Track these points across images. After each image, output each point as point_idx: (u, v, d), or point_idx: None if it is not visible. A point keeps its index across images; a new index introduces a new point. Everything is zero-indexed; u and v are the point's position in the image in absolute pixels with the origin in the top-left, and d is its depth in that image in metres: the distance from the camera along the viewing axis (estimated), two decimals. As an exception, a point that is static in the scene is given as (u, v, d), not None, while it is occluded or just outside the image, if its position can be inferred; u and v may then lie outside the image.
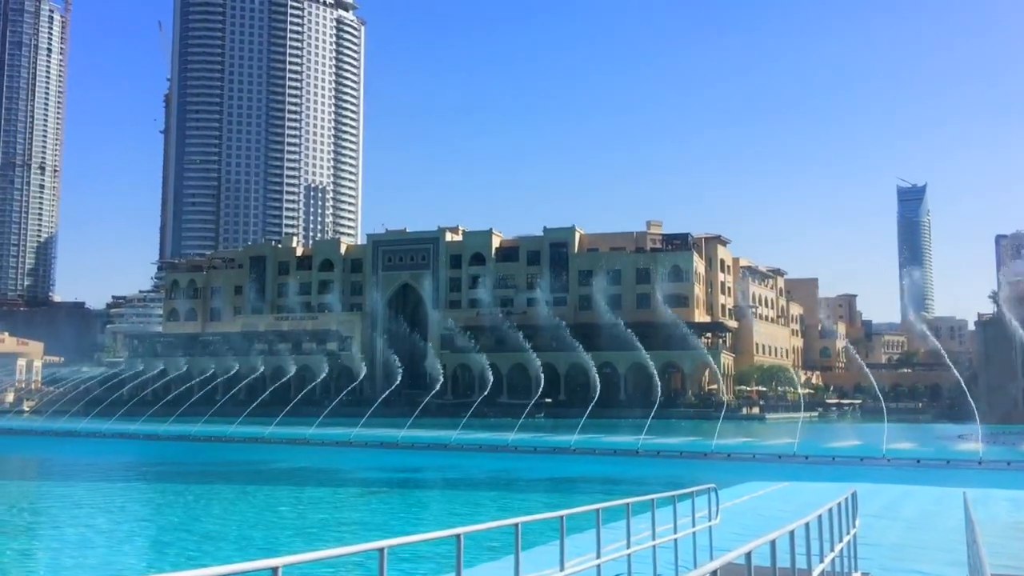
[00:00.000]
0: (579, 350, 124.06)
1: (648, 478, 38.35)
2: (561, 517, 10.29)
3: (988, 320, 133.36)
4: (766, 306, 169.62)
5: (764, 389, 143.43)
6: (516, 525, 9.29)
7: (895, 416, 67.11)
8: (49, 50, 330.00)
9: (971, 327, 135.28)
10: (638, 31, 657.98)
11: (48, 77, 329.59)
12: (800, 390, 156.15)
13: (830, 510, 11.23)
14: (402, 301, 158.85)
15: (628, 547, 12.07)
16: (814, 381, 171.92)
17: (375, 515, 28.13)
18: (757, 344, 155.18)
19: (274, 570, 5.87)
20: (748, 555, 7.11)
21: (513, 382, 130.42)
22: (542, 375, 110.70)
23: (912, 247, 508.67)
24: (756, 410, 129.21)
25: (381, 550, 7.07)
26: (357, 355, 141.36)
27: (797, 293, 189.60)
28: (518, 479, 40.67)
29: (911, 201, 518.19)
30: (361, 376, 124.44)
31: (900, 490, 30.20)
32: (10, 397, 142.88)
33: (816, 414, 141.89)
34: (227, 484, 38.64)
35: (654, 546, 12.59)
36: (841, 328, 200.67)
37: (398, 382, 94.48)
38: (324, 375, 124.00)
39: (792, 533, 8.59)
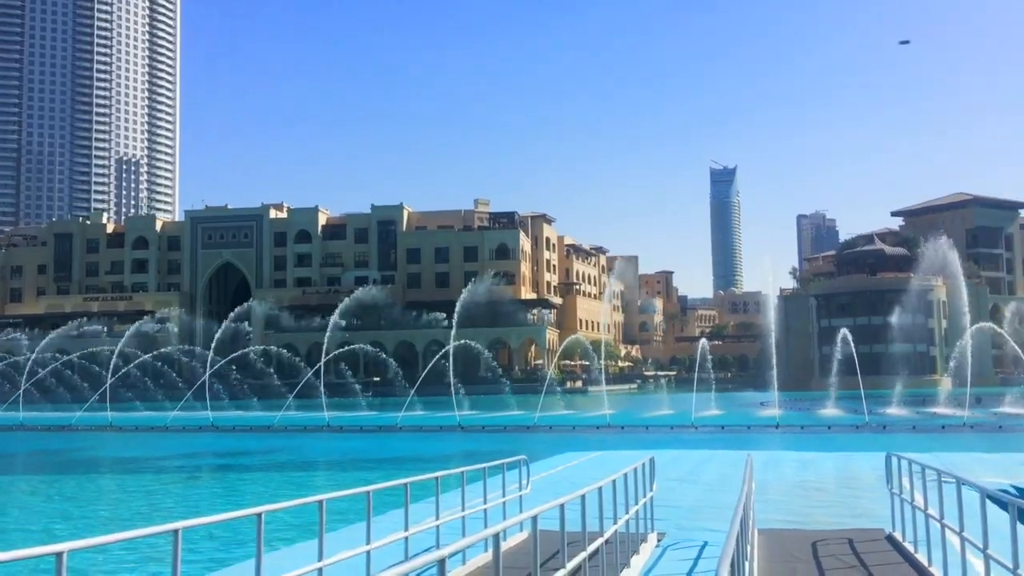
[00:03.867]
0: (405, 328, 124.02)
1: (473, 452, 39.10)
2: (368, 493, 10.47)
3: (789, 295, 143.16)
4: (589, 283, 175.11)
5: (587, 363, 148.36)
6: (320, 502, 9.40)
7: (705, 386, 71.20)
8: None
9: (775, 301, 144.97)
10: (469, 11, 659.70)
11: None
12: (620, 363, 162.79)
13: (625, 475, 11.98)
14: (224, 280, 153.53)
15: (437, 519, 12.43)
16: (634, 354, 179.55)
17: (193, 500, 27.37)
18: (581, 320, 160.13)
19: (58, 555, 5.75)
20: (534, 519, 7.55)
21: (340, 362, 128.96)
22: (383, 355, 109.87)
23: (723, 226, 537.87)
24: (579, 384, 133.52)
25: (176, 531, 7.03)
26: (174, 337, 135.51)
27: (618, 270, 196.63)
28: (343, 460, 40.49)
29: (723, 183, 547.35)
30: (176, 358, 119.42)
31: (703, 455, 32.22)
32: None
33: (635, 386, 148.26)
34: (28, 475, 36.47)
35: (463, 517, 13.01)
36: (659, 303, 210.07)
37: (218, 364, 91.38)
38: (138, 358, 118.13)
39: (583, 497, 9.14)
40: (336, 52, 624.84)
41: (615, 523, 10.79)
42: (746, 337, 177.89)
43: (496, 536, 5.99)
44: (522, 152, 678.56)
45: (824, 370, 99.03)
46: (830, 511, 18.67)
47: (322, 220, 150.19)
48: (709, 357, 77.36)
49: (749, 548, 9.30)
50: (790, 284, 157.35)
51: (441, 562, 4.89)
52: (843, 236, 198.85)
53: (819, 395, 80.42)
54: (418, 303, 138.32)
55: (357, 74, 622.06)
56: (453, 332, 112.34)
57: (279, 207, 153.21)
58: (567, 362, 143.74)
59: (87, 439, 54.00)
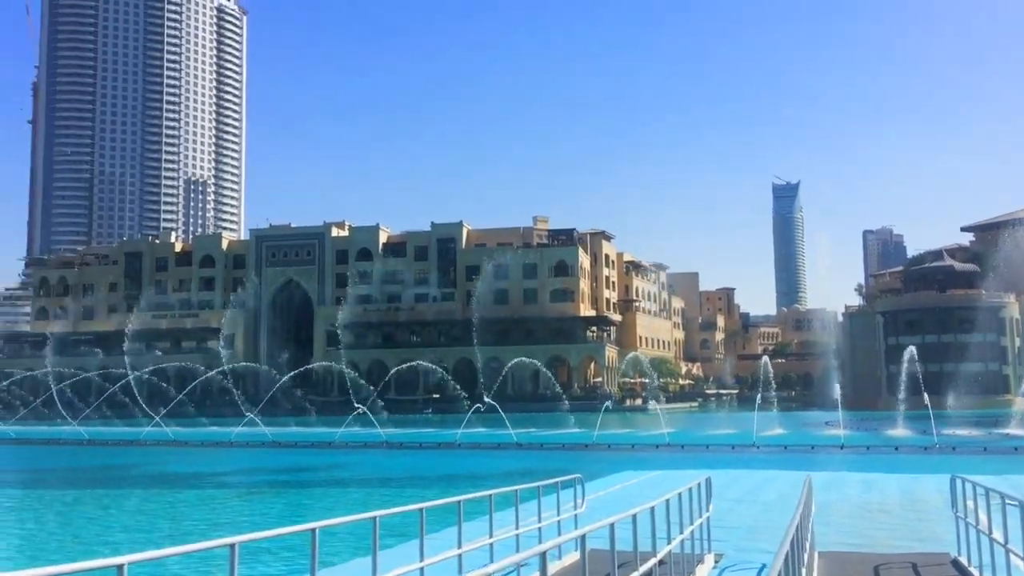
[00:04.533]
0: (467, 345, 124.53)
1: (531, 470, 38.99)
2: (421, 510, 10.53)
3: (855, 312, 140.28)
4: (649, 300, 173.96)
5: (647, 380, 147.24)
6: (374, 519, 9.48)
7: (768, 404, 70.07)
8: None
9: (840, 319, 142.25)
10: (528, 28, 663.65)
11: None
12: (681, 381, 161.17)
13: (679, 494, 11.87)
14: (287, 298, 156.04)
15: (490, 537, 12.44)
16: (695, 372, 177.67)
17: (252, 516, 27.81)
18: (641, 337, 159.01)
19: (119, 567, 5.93)
20: (582, 538, 7.52)
21: (401, 378, 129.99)
22: (448, 371, 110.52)
23: (786, 242, 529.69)
24: (639, 402, 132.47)
25: (232, 545, 7.17)
26: (240, 353, 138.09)
27: (679, 287, 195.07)
28: (401, 477, 40.72)
29: (785, 198, 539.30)
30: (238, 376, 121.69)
31: (764, 475, 31.69)
32: None
33: (696, 404, 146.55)
34: (93, 489, 37.42)
35: (517, 535, 12.99)
36: (720, 320, 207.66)
37: (282, 380, 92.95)
38: (205, 374, 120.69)
39: (635, 517, 9.08)
40: (395, 73, 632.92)
41: (669, 543, 10.68)
42: (810, 355, 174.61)
43: (543, 555, 6.00)
44: (582, 169, 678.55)
45: (891, 389, 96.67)
46: (894, 534, 18.22)
47: (383, 238, 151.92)
48: (772, 375, 76.13)
49: (804, 571, 9.15)
50: (856, 301, 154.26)
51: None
52: (911, 252, 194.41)
53: (886, 415, 78.53)
54: (477, 320, 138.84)
55: (416, 92, 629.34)
56: (467, 349, 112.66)
57: (341, 225, 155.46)
58: (627, 380, 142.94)
59: (152, 454, 55.26)
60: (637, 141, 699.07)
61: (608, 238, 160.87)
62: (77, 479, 42.61)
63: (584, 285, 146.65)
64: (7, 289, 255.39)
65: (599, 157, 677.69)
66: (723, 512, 18.79)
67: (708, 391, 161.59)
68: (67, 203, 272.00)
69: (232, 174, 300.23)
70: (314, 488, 35.49)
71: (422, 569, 10.32)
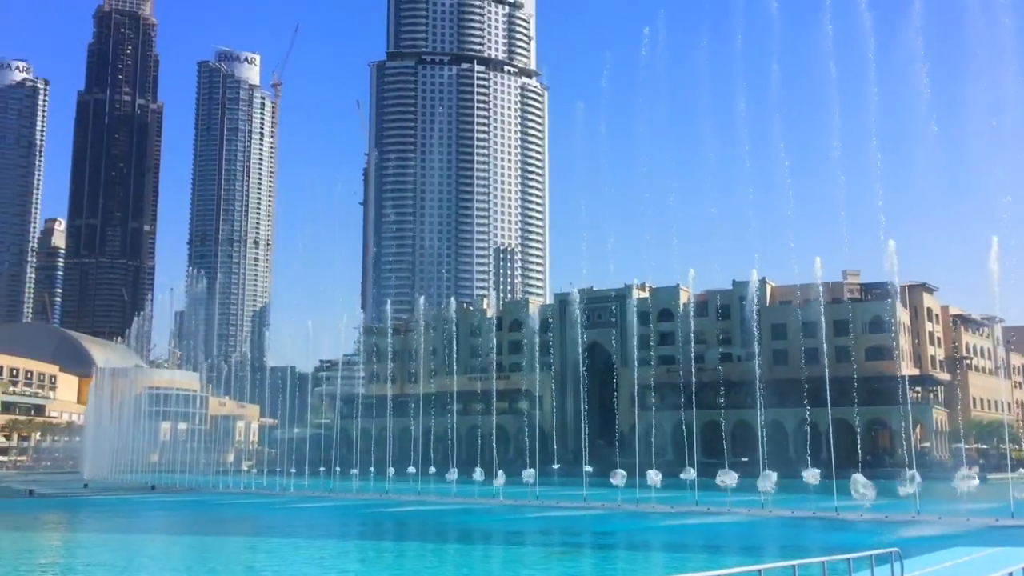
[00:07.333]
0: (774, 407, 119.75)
1: (850, 542, 36.54)
2: (714, 579, 10.23)
3: None
4: (982, 356, 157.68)
5: (984, 447, 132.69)
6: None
7: None
8: (261, 134, 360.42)
9: None
10: (815, 75, 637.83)
11: (261, 158, 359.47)
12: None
13: (1010, 574, 10.58)
14: (591, 359, 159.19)
15: (794, 611, 11.78)
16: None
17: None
18: (974, 398, 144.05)
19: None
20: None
21: (706, 440, 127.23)
22: (762, 433, 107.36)
23: None
24: (975, 469, 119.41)
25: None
26: (548, 414, 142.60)
27: (1020, 341, 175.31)
28: (699, 544, 39.72)
29: None
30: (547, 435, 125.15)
31: None
32: (231, 457, 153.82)
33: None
34: (465, 544, 40.06)
35: (825, 611, 12.19)
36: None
37: (588, 442, 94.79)
38: (516, 434, 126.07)
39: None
40: (694, 131, 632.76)
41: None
42: None
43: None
44: (897, 217, 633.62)
45: None
46: None
47: (683, 298, 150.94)
48: None
49: None
50: None
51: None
52: None
53: None
54: (786, 381, 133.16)
55: (715, 144, 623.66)
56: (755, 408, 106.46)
57: (641, 287, 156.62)
58: (960, 445, 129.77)
59: (470, 511, 58.27)
60: (952, 180, 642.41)
61: (930, 290, 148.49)
62: (395, 532, 45.78)
63: (904, 342, 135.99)
64: (346, 356, 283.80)
65: (915, 202, 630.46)
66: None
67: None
68: (392, 273, 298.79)
69: (537, 241, 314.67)
70: (617, 550, 35.58)
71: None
